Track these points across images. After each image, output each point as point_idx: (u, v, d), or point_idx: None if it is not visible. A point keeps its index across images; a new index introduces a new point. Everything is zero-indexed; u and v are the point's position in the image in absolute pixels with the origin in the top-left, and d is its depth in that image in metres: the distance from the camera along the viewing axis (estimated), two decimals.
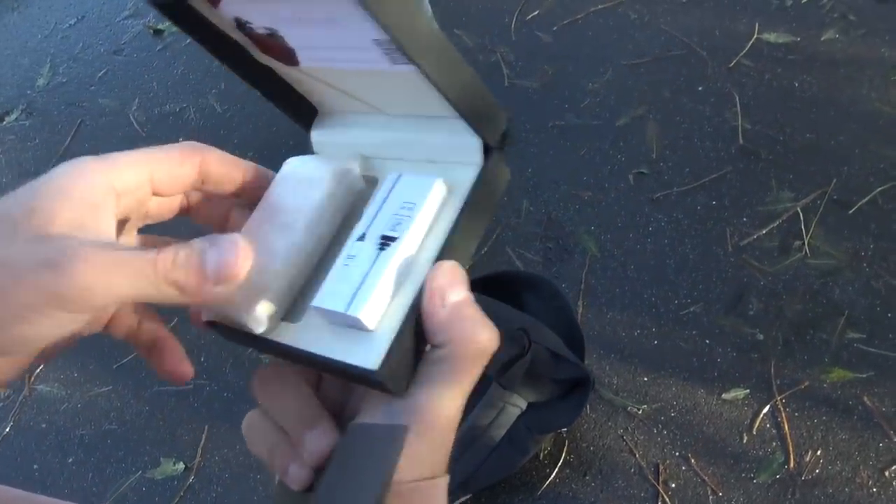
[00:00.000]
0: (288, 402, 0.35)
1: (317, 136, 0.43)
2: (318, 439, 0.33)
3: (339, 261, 0.34)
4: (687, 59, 1.82)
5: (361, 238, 0.34)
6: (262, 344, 0.36)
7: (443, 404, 0.32)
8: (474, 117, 0.34)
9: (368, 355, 0.32)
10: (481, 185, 0.35)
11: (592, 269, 1.56)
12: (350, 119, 0.42)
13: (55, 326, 0.28)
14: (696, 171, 1.64)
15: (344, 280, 0.33)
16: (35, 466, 1.62)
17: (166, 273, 0.28)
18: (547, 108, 1.82)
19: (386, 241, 0.33)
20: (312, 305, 0.34)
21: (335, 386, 0.38)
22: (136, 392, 1.65)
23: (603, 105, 1.79)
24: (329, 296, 0.33)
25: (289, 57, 0.37)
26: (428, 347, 0.33)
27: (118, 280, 0.28)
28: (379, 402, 0.33)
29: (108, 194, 0.30)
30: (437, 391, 0.32)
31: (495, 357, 1.04)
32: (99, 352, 1.70)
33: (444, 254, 0.33)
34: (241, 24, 0.35)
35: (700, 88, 1.76)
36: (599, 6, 1.97)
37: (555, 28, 1.95)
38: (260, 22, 0.34)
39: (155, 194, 0.34)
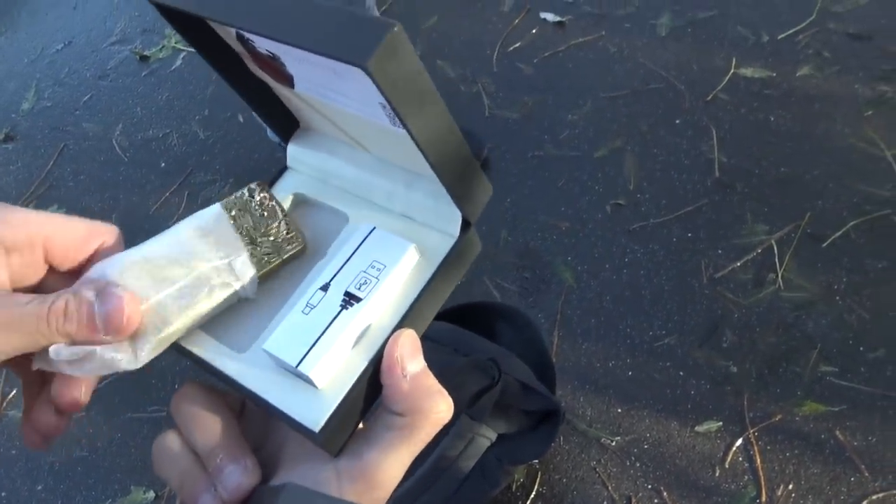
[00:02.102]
0: (210, 429, 0.34)
1: (294, 150, 0.42)
2: (240, 476, 0.32)
3: (298, 306, 0.34)
4: (665, 92, 1.84)
5: (324, 288, 0.34)
6: (203, 364, 0.36)
7: (392, 467, 0.32)
8: (460, 194, 0.34)
9: (312, 413, 0.32)
10: (453, 257, 0.35)
11: (568, 299, 1.57)
12: (332, 145, 0.41)
13: None
14: (673, 204, 1.65)
15: (300, 330, 0.33)
16: (3, 494, 1.59)
17: (58, 326, 0.29)
18: (527, 138, 1.83)
19: (350, 300, 0.33)
20: (264, 348, 0.33)
21: (259, 417, 0.37)
22: (108, 419, 1.63)
23: (582, 136, 1.81)
24: (283, 343, 0.33)
25: (286, 79, 0.36)
26: (377, 409, 0.34)
27: (10, 337, 0.28)
28: (313, 450, 0.33)
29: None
30: (390, 455, 0.32)
31: (466, 387, 1.03)
32: None
33: (405, 321, 0.33)
34: (242, 39, 0.35)
35: (677, 121, 1.78)
36: (580, 39, 1.99)
37: (535, 60, 1.98)
38: (264, 46, 0.34)
39: (50, 264, 0.34)
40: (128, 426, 1.61)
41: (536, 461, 1.38)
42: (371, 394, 0.33)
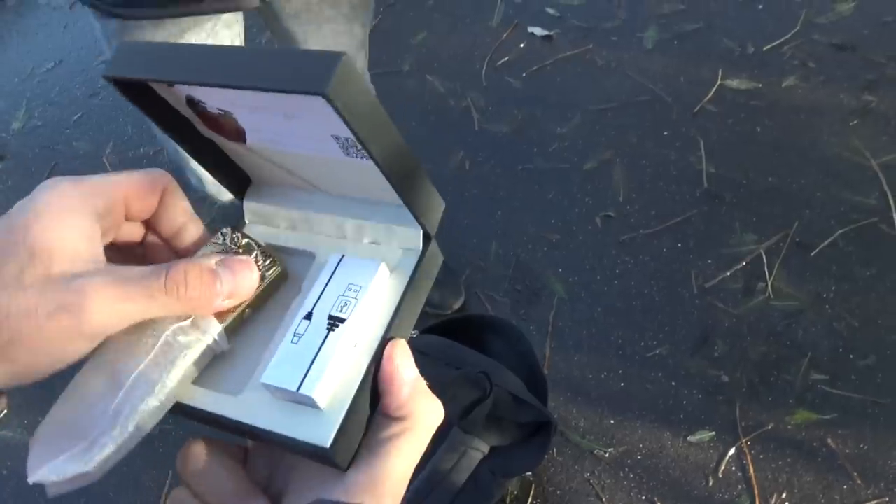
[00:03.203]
0: (219, 479, 0.35)
1: (250, 205, 0.44)
2: None
3: (287, 338, 0.35)
4: (652, 104, 1.86)
5: (308, 317, 0.35)
6: (201, 415, 0.36)
7: (401, 471, 0.33)
8: (418, 208, 0.36)
9: (319, 433, 0.33)
10: (420, 268, 0.38)
11: (560, 311, 1.57)
12: (287, 192, 0.43)
13: (76, 353, 0.30)
14: (662, 214, 1.66)
15: (294, 358, 0.34)
16: None
17: (180, 293, 0.31)
18: (516, 152, 1.84)
19: (334, 322, 0.35)
20: (262, 381, 0.34)
21: (262, 460, 0.38)
22: None
23: (571, 149, 1.82)
24: (279, 373, 0.34)
25: (237, 135, 0.38)
26: (377, 420, 0.35)
27: (130, 308, 0.30)
28: (319, 476, 0.34)
29: (93, 219, 0.32)
30: (398, 460, 0.33)
31: (457, 400, 1.04)
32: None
33: (389, 332, 0.35)
34: (192, 102, 0.36)
35: (665, 133, 1.80)
36: (567, 53, 2.01)
37: (524, 74, 1.99)
38: (215, 104, 0.36)
39: (127, 219, 0.36)
40: None
41: (530, 473, 1.38)
42: (370, 405, 0.34)
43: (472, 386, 1.17)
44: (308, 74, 0.28)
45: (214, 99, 0.35)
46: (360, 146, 0.33)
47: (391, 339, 0.35)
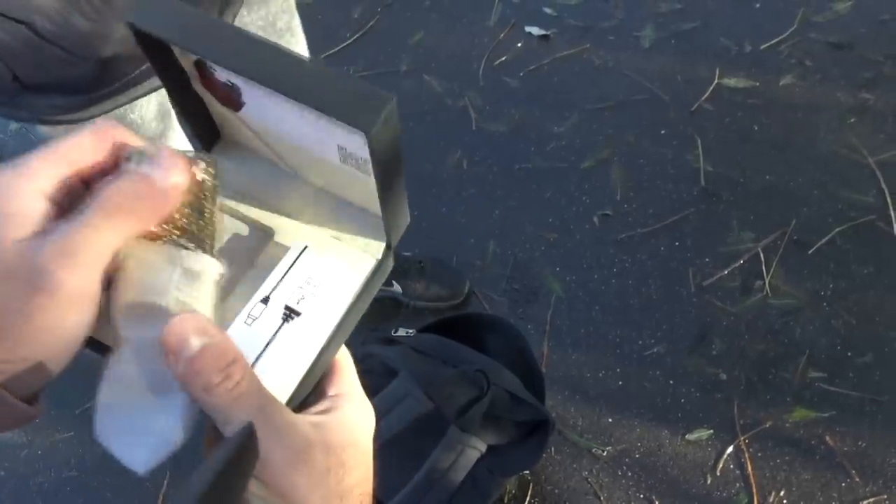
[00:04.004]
0: None
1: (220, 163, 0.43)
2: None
3: (240, 318, 0.35)
4: (650, 103, 1.86)
5: (265, 301, 0.36)
6: None
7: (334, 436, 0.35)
8: (390, 221, 0.38)
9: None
10: (375, 276, 0.40)
11: (558, 310, 1.57)
12: (257, 162, 0.43)
13: (77, 326, 0.30)
14: (660, 213, 1.66)
15: (246, 341, 0.35)
16: None
17: (123, 202, 0.30)
18: (514, 151, 1.84)
19: (290, 314, 0.35)
20: None
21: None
22: (96, 440, 1.62)
23: (568, 148, 1.82)
24: None
25: (231, 103, 0.38)
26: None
27: (96, 247, 0.29)
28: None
29: (41, 203, 0.30)
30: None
31: (455, 399, 1.04)
32: (61, 397, 1.67)
33: (337, 331, 0.37)
34: (201, 64, 0.36)
35: (663, 132, 1.80)
36: (565, 52, 2.01)
37: (521, 74, 1.99)
38: (227, 76, 0.36)
39: (85, 182, 0.33)
40: None
41: (528, 472, 1.38)
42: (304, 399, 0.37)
43: (470, 384, 1.16)
44: (357, 109, 0.30)
45: (225, 72, 0.35)
46: (365, 163, 0.33)
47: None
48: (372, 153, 0.31)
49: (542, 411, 1.19)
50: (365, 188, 0.36)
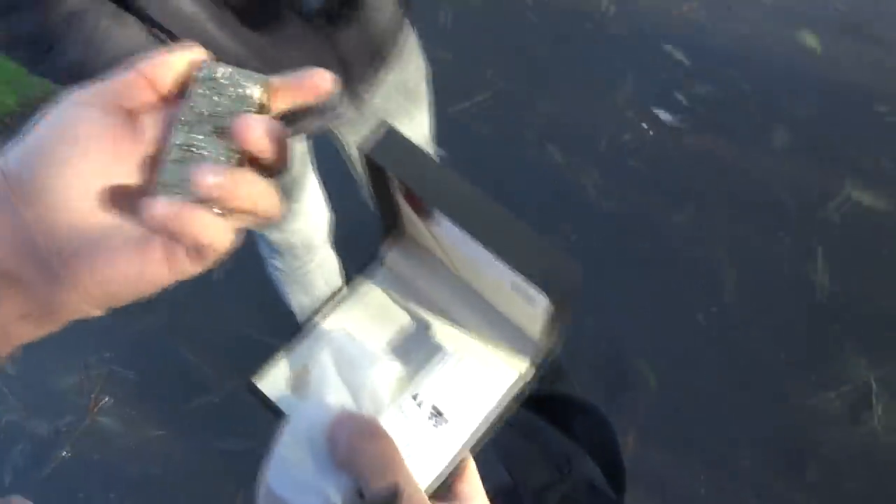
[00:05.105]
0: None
1: (392, 253, 0.48)
2: None
3: (393, 409, 0.39)
4: (773, 205, 1.82)
5: (416, 398, 0.40)
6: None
7: None
8: (545, 347, 0.42)
9: None
10: (517, 387, 0.43)
11: (649, 402, 1.55)
12: (427, 259, 0.47)
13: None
14: (768, 319, 1.62)
15: (395, 430, 0.39)
16: (80, 495, 1.68)
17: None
18: (626, 233, 1.84)
19: (436, 414, 0.39)
20: None
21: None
22: (186, 442, 1.71)
23: (682, 238, 1.80)
24: None
25: (424, 215, 0.42)
26: None
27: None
28: None
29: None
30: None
31: (532, 478, 1.05)
32: (160, 396, 1.78)
33: (475, 434, 0.41)
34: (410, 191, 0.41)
35: (783, 237, 1.76)
36: (692, 142, 2.01)
37: (645, 156, 2.00)
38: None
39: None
40: (203, 455, 1.68)
41: None
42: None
43: (550, 466, 1.16)
44: (548, 276, 0.33)
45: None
46: (534, 300, 0.37)
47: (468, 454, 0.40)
48: (550, 313, 0.34)
49: None
50: (526, 313, 0.39)
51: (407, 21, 1.03)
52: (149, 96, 0.34)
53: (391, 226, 0.48)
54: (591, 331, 1.67)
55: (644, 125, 2.09)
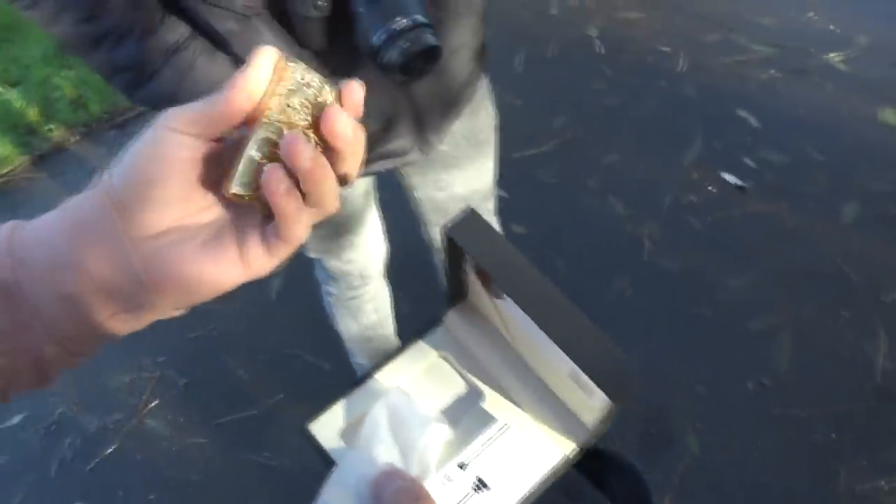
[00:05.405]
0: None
1: (454, 316, 0.50)
2: None
3: (439, 475, 0.41)
4: (837, 280, 1.78)
5: (462, 466, 0.41)
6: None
7: None
8: (595, 432, 0.45)
9: None
10: (562, 466, 0.46)
11: (689, 468, 1.51)
12: (487, 328, 0.49)
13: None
14: (822, 398, 1.56)
15: (438, 497, 0.40)
16: (120, 493, 1.73)
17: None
18: (681, 292, 1.82)
19: (480, 485, 0.41)
20: None
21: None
22: (227, 453, 1.74)
23: (740, 305, 1.77)
24: None
25: (492, 293, 0.45)
26: None
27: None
28: None
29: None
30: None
31: None
32: (205, 405, 1.83)
33: None
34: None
35: (845, 314, 1.71)
36: (757, 207, 1.98)
37: (708, 218, 1.98)
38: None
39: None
40: (241, 466, 1.71)
41: None
42: None
43: None
44: (612, 378, 0.35)
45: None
46: (591, 390, 0.38)
47: None
48: (607, 409, 0.35)
49: None
50: (580, 400, 0.41)
51: (482, 73, 1.06)
52: (234, 124, 0.37)
53: (458, 296, 0.50)
54: (637, 388, 1.65)
55: (710, 186, 2.08)
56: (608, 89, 2.45)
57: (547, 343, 0.40)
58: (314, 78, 0.36)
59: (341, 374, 1.74)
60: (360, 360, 1.55)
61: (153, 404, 1.87)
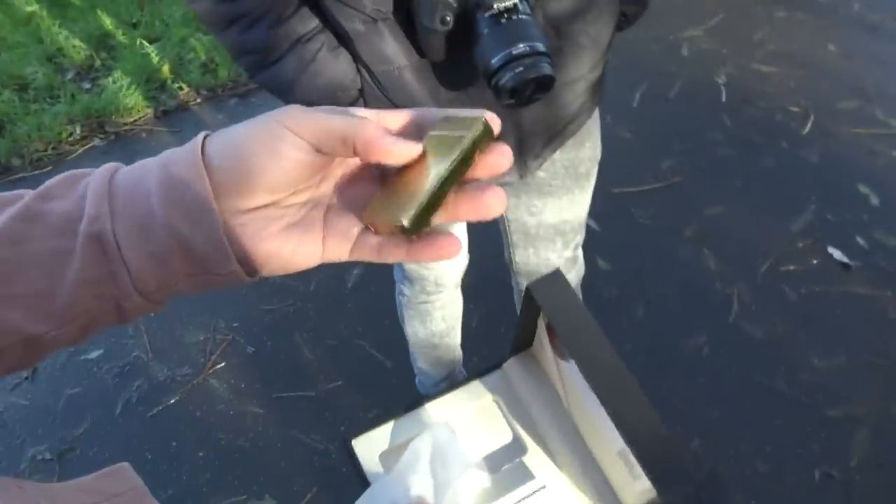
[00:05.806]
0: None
1: (514, 362, 0.50)
2: None
3: None
4: None
5: None
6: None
7: None
8: None
9: None
10: None
11: None
12: (544, 383, 0.48)
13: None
14: (891, 501, 1.46)
15: None
16: (173, 444, 1.80)
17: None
18: (761, 362, 1.74)
19: None
20: None
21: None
22: (279, 427, 1.79)
23: (821, 387, 1.68)
24: None
25: (560, 355, 0.45)
26: None
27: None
28: None
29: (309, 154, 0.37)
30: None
31: None
32: (267, 377, 1.88)
33: None
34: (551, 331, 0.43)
35: None
36: (860, 290, 1.87)
37: (803, 290, 1.89)
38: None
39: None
40: (289, 443, 1.75)
41: None
42: None
43: None
44: (664, 469, 0.34)
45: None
46: (636, 470, 0.38)
47: None
48: (651, 498, 0.35)
49: None
50: (624, 479, 0.40)
51: (594, 106, 1.04)
52: (347, 155, 0.37)
53: (523, 346, 0.50)
54: (695, 452, 1.59)
55: (813, 259, 1.98)
56: (725, 139, 2.37)
57: (602, 415, 0.39)
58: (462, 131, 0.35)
59: (401, 373, 1.75)
60: (421, 364, 1.56)
61: (220, 366, 1.94)
